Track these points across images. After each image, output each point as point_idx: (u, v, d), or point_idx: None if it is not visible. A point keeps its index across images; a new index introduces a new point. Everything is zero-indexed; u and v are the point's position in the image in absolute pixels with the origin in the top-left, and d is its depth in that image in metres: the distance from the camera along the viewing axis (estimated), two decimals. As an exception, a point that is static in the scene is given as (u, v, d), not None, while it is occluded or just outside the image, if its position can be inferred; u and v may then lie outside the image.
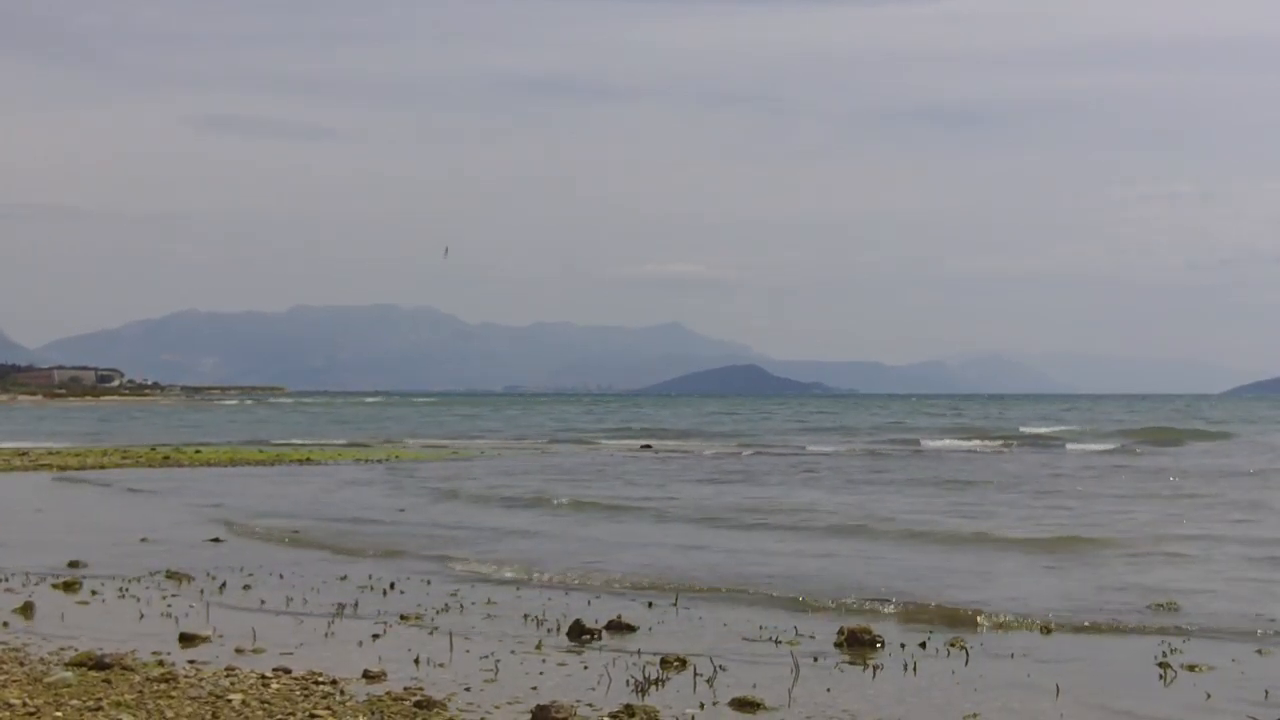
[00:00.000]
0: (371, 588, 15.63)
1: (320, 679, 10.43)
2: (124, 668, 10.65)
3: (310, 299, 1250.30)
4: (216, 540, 20.45)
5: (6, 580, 16.04)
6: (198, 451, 47.34)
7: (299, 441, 58.00)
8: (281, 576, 16.60)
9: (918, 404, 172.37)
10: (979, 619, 13.37)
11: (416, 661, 11.27)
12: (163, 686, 10.04)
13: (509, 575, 16.72)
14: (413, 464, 42.31)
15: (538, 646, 12.04)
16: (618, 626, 12.82)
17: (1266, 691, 10.29)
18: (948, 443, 56.07)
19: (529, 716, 9.30)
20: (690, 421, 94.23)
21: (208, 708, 9.40)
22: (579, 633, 12.52)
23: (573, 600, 14.75)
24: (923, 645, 12.10)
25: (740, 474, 36.72)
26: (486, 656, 11.50)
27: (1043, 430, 70.28)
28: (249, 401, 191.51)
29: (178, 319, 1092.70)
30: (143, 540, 20.34)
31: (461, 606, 14.30)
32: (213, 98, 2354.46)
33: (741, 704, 9.84)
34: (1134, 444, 55.16)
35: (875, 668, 11.25)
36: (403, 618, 13.51)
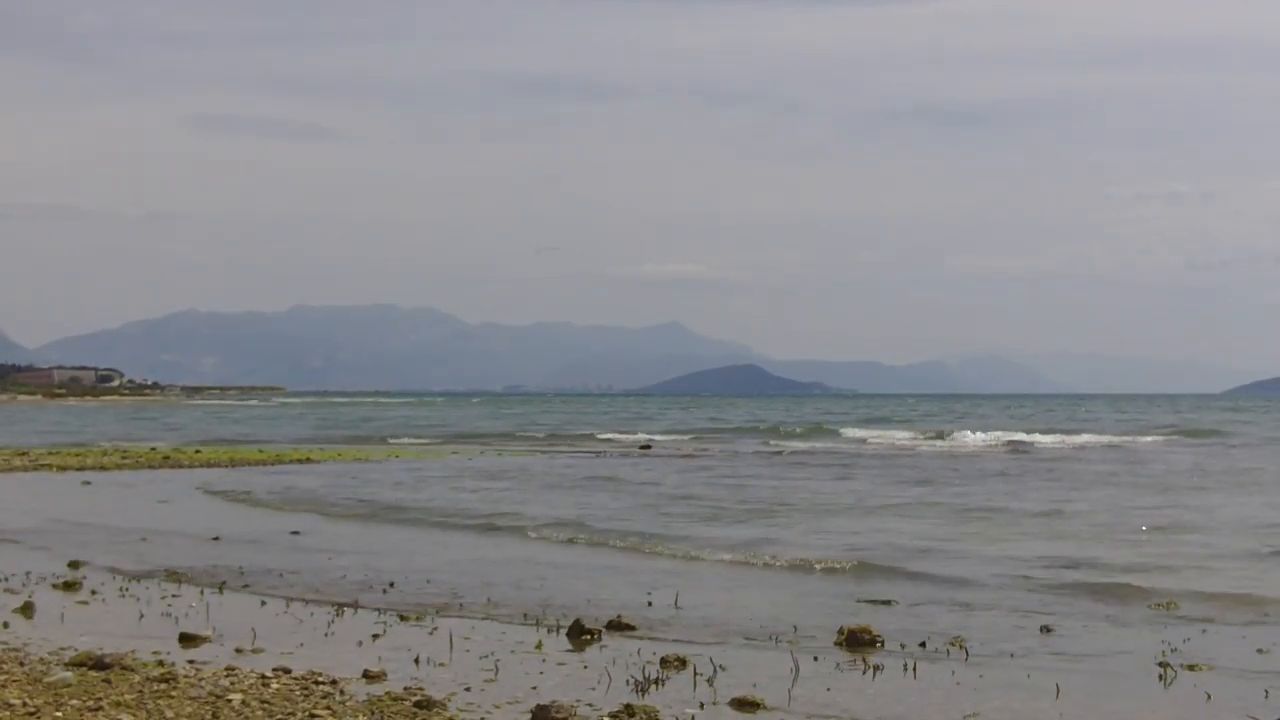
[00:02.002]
0: (371, 587, 15.65)
1: (320, 679, 10.41)
2: (124, 668, 10.64)
3: (310, 299, 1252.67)
4: (216, 539, 20.47)
5: (6, 580, 16.05)
6: (197, 451, 47.32)
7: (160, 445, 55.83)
8: (281, 575, 16.62)
9: (915, 404, 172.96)
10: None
11: (416, 661, 11.26)
12: (163, 686, 10.03)
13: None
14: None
15: (538, 646, 12.03)
16: (618, 626, 12.83)
17: (1266, 691, 10.29)
18: (793, 444, 59.02)
19: (529, 716, 9.29)
20: (650, 420, 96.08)
21: (208, 708, 9.39)
22: (579, 632, 12.53)
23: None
24: (923, 645, 12.08)
25: (522, 472, 37.15)
26: (486, 656, 11.50)
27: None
28: (214, 402, 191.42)
29: (178, 319, 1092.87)
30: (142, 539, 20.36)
31: (461, 606, 14.31)
32: (213, 98, 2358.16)
33: (741, 704, 9.82)
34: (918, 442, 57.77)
35: (875, 668, 11.22)
36: (402, 617, 13.51)
